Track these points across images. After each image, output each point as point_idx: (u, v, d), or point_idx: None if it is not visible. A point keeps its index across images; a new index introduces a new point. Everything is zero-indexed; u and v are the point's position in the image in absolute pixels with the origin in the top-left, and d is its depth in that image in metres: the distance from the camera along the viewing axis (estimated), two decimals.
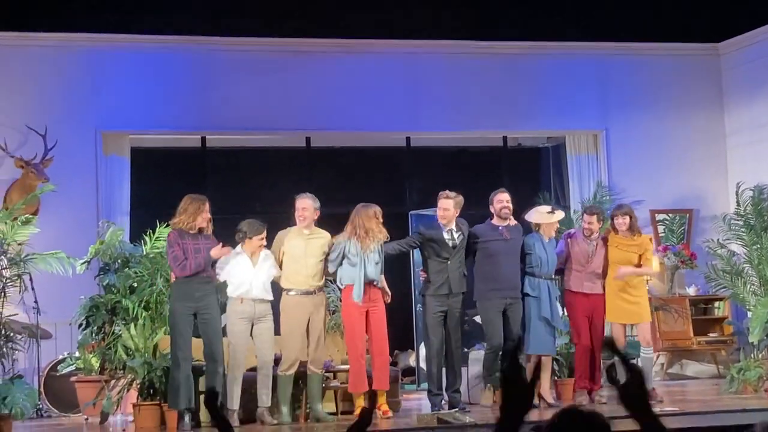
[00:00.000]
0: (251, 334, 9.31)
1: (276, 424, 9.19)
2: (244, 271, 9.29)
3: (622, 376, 3.23)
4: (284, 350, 9.40)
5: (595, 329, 10.02)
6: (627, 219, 10.12)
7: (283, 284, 9.46)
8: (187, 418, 9.05)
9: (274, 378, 9.34)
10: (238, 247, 9.37)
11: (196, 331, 9.19)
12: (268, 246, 9.55)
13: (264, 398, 9.29)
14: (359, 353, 9.41)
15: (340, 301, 9.89)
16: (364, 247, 9.40)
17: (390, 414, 9.51)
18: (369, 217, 9.45)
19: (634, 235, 10.18)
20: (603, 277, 10.15)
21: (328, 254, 9.52)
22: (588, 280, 10.03)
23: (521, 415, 3.19)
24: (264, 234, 9.41)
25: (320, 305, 9.50)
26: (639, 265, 10.13)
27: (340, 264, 9.48)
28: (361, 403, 9.42)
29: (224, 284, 9.37)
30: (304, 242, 9.50)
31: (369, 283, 9.42)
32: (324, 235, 9.62)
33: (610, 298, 10.08)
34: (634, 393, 3.17)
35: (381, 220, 9.53)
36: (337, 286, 9.86)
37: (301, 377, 9.48)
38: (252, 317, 9.27)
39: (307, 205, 9.56)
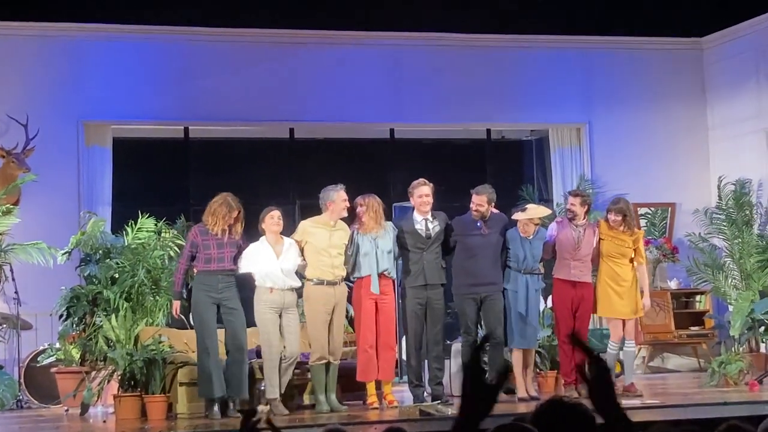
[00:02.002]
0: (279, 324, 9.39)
1: (287, 414, 9.21)
2: (269, 261, 9.33)
3: (590, 371, 3.20)
4: (312, 340, 9.47)
5: (579, 320, 9.98)
6: (619, 218, 9.98)
7: (307, 274, 9.49)
8: (216, 407, 9.09)
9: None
10: (262, 239, 9.42)
11: (219, 323, 9.31)
12: (285, 233, 9.57)
13: (282, 386, 9.35)
14: (369, 344, 9.48)
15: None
16: (370, 237, 9.48)
17: (396, 403, 9.52)
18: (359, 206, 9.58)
19: (630, 230, 10.04)
20: (594, 266, 10.09)
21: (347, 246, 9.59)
22: (575, 268, 9.94)
23: (482, 415, 3.14)
24: (271, 213, 9.41)
25: (343, 296, 9.59)
26: (631, 261, 10.07)
27: (356, 257, 9.55)
28: (372, 391, 9.49)
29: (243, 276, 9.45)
30: (328, 233, 9.55)
31: (380, 274, 9.52)
32: (345, 228, 9.68)
33: (603, 293, 10.05)
34: (602, 388, 3.15)
35: (371, 211, 9.55)
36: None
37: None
38: (281, 307, 9.34)
39: (347, 197, 9.62)
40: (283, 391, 9.38)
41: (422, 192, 9.78)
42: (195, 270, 9.38)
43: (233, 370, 9.20)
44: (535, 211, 10.10)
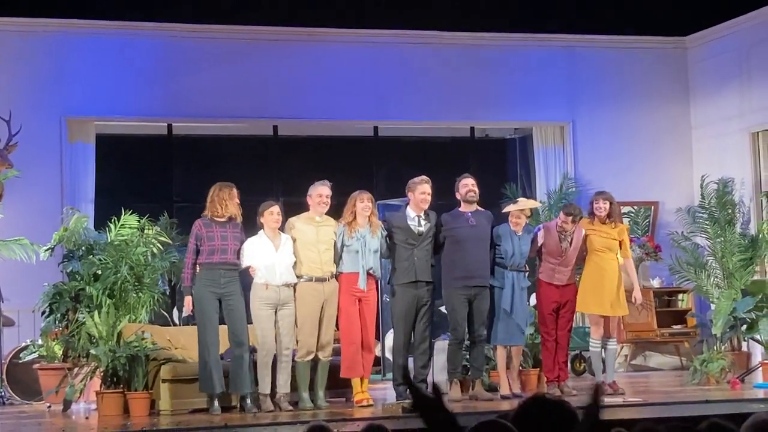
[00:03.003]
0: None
1: (292, 410, 9.23)
2: (268, 256, 9.34)
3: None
4: (300, 337, 9.47)
5: (563, 319, 10.00)
6: (607, 204, 10.08)
7: (296, 271, 9.49)
8: (216, 402, 9.09)
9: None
10: (261, 233, 9.45)
11: (221, 317, 9.30)
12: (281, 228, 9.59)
13: (282, 383, 9.35)
14: (353, 340, 9.47)
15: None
16: (354, 234, 9.47)
17: (370, 402, 9.49)
18: (352, 203, 9.61)
19: (613, 222, 10.12)
20: (579, 264, 10.11)
21: (335, 242, 9.58)
22: (560, 273, 9.94)
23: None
24: (271, 209, 9.44)
25: (333, 292, 9.56)
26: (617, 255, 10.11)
27: (341, 253, 9.56)
28: (358, 388, 9.48)
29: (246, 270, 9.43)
30: (315, 229, 9.55)
31: (366, 272, 9.53)
32: (332, 223, 9.67)
33: (587, 289, 10.03)
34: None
35: (362, 207, 9.54)
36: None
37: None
38: (276, 303, 9.35)
39: (329, 193, 9.61)
40: (288, 389, 9.37)
41: (425, 190, 9.81)
42: (198, 265, 9.35)
43: (234, 366, 9.20)
44: (525, 203, 10.19)
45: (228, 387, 9.23)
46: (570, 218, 9.99)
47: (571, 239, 10.00)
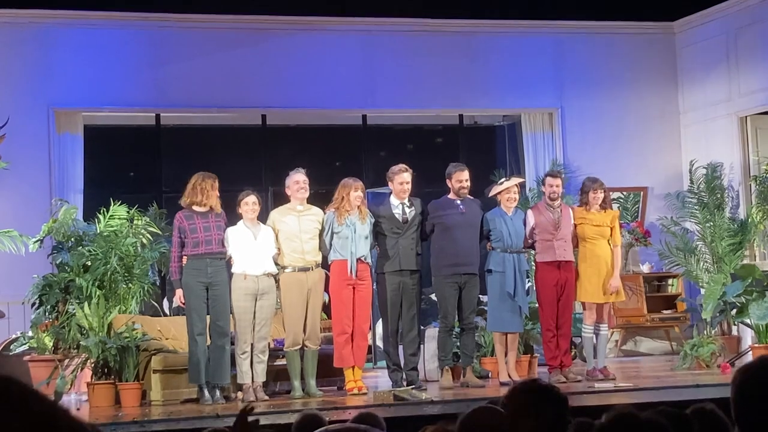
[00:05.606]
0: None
1: (267, 400, 9.23)
2: (246, 246, 9.34)
3: None
4: (287, 327, 9.50)
5: (563, 304, 9.94)
6: (602, 195, 10.08)
7: (280, 262, 9.49)
8: (207, 393, 9.07)
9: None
10: (240, 222, 9.45)
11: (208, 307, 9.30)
12: (261, 219, 9.58)
13: (259, 372, 9.35)
14: (345, 329, 9.49)
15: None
16: (344, 221, 9.46)
17: (363, 390, 9.50)
18: (344, 191, 9.59)
19: (604, 209, 10.11)
20: (574, 245, 10.09)
21: (321, 230, 9.56)
22: (559, 247, 9.86)
23: None
24: (246, 199, 9.43)
25: (318, 281, 9.58)
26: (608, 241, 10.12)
27: (330, 240, 9.56)
28: (350, 376, 9.48)
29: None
30: (297, 218, 9.55)
31: (357, 259, 9.52)
32: (316, 211, 9.67)
33: (583, 277, 9.98)
34: None
35: (355, 197, 9.53)
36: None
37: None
38: (256, 293, 9.34)
39: (305, 178, 9.62)
40: (264, 379, 9.40)
41: (403, 179, 9.78)
42: (185, 257, 9.34)
43: (214, 355, 9.19)
44: (510, 181, 10.12)
45: (206, 376, 9.19)
46: (558, 179, 10.01)
47: (561, 210, 9.97)
